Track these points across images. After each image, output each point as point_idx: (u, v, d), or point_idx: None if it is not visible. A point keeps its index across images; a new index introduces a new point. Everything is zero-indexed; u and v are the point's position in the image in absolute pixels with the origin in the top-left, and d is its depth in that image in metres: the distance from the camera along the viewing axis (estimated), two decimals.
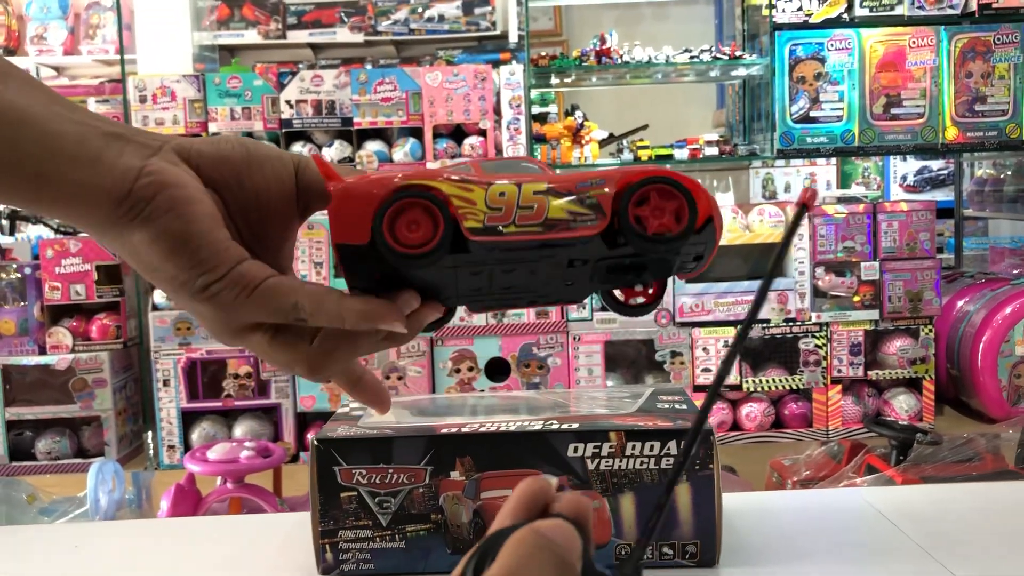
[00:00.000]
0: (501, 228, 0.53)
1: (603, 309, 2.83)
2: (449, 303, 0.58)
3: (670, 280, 2.71)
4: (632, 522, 0.74)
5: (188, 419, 2.86)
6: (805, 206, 0.37)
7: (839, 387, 2.84)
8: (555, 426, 0.75)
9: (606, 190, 0.54)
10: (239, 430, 2.85)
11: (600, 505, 0.74)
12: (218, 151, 0.53)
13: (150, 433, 2.89)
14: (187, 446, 2.82)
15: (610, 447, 0.73)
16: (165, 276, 0.50)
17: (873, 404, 2.88)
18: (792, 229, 0.36)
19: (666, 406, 0.80)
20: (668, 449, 0.73)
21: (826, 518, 0.84)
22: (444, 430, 0.75)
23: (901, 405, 2.84)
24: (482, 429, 0.75)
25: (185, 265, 0.49)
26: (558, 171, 0.57)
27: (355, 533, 0.74)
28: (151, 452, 2.90)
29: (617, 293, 0.60)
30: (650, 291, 0.60)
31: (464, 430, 0.74)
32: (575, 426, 0.75)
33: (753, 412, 2.83)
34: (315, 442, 0.74)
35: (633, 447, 0.73)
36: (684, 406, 0.80)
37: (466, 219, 0.53)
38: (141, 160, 0.50)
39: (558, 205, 0.54)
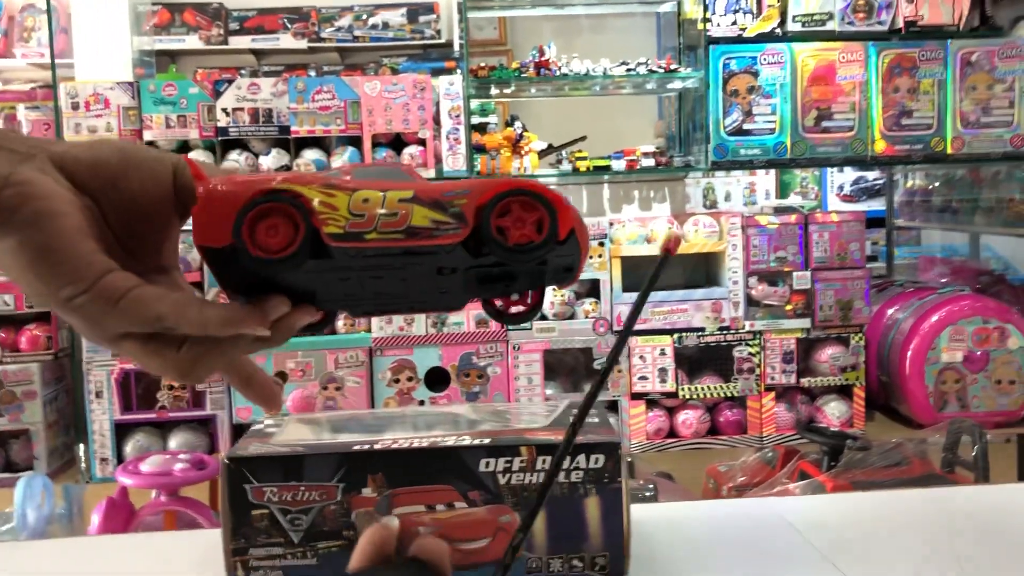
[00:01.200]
0: (363, 234, 0.54)
1: (542, 318, 2.85)
2: (324, 307, 0.59)
3: (607, 290, 2.73)
4: (543, 536, 0.75)
5: (121, 431, 2.81)
6: (668, 253, 0.38)
7: (773, 394, 2.89)
8: (467, 441, 0.76)
9: (468, 200, 0.55)
10: (174, 442, 2.81)
11: (511, 520, 0.75)
12: (94, 156, 0.54)
13: (82, 446, 2.84)
14: (120, 459, 2.77)
15: (521, 461, 0.75)
16: (29, 286, 0.51)
17: (806, 411, 2.94)
18: (655, 274, 0.37)
19: None
20: (578, 463, 0.75)
21: (736, 528, 0.86)
22: (356, 447, 0.75)
23: (833, 412, 2.91)
24: (394, 446, 0.75)
25: (47, 278, 0.50)
26: (433, 181, 0.59)
27: (267, 551, 0.74)
28: (83, 465, 2.84)
29: (498, 302, 0.61)
30: (528, 300, 0.61)
31: (376, 447, 0.75)
32: (486, 441, 0.76)
33: (689, 419, 2.88)
34: (225, 460, 0.74)
35: (544, 461, 0.74)
36: (596, 420, 0.82)
37: (327, 224, 0.53)
38: (9, 168, 0.50)
39: (421, 213, 0.54)
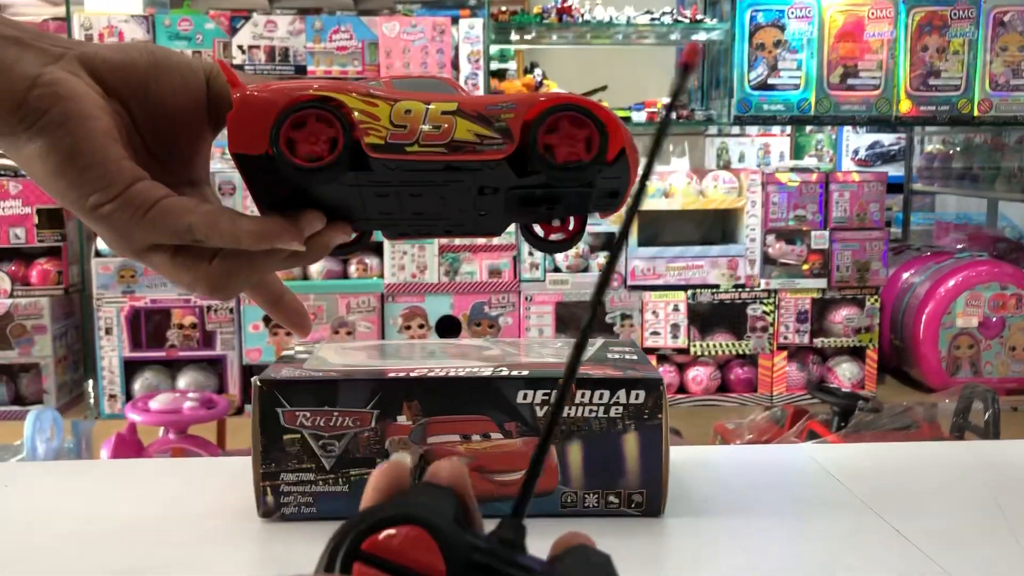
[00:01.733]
0: (404, 146, 0.51)
1: (555, 270, 2.82)
2: (358, 226, 0.57)
3: (623, 244, 2.69)
4: (579, 470, 0.74)
5: (130, 369, 2.81)
6: (688, 66, 0.34)
7: (784, 353, 2.88)
8: (504, 373, 0.74)
9: (515, 115, 0.52)
10: (183, 381, 2.81)
11: (548, 453, 0.73)
12: (125, 57, 0.51)
13: (91, 382, 2.84)
14: (129, 396, 2.77)
15: None
16: (57, 192, 0.48)
17: (817, 371, 2.93)
18: (677, 91, 0.33)
19: (616, 356, 0.80)
20: (617, 398, 0.73)
21: (770, 473, 0.85)
22: (392, 374, 0.73)
23: (844, 373, 2.90)
24: (430, 374, 0.73)
25: (75, 183, 0.47)
26: (475, 94, 0.55)
27: (297, 476, 0.72)
28: (91, 401, 2.84)
29: (537, 229, 0.59)
30: (570, 228, 0.58)
31: (412, 374, 0.73)
32: (524, 373, 0.74)
33: (699, 376, 2.86)
34: (258, 383, 0.72)
35: (583, 395, 0.73)
36: (634, 357, 0.80)
37: (368, 135, 0.51)
38: (38, 68, 0.47)
39: (465, 126, 0.52)
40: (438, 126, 0.51)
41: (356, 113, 0.51)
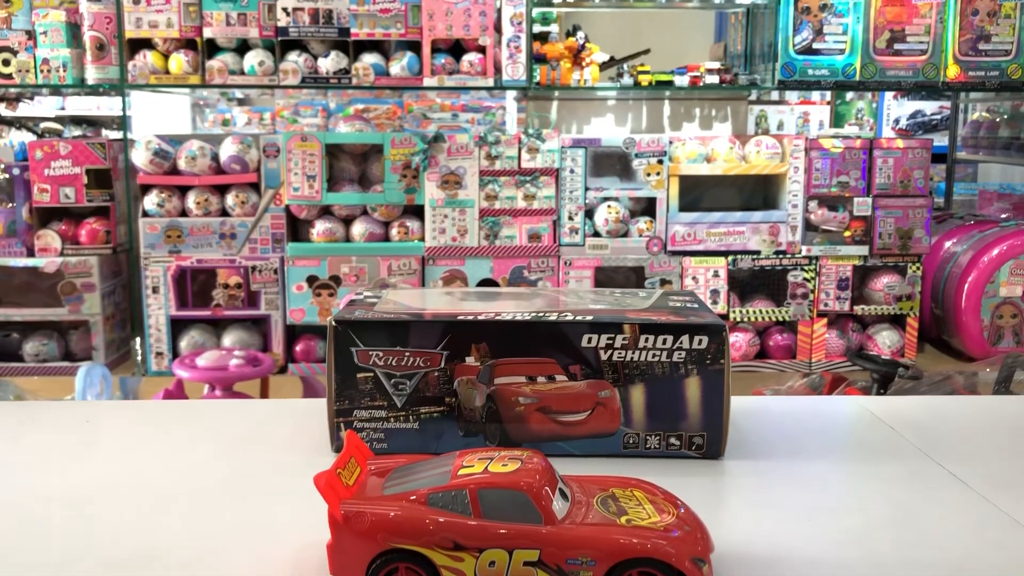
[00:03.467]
0: None
1: (595, 235, 2.83)
2: None
3: (663, 208, 2.62)
4: (642, 413, 0.76)
5: (177, 327, 2.86)
6: None
7: (824, 320, 2.87)
8: (570, 317, 0.76)
9: (593, 573, 0.51)
10: (228, 340, 2.86)
11: (611, 395, 0.75)
12: None
13: (138, 339, 2.90)
14: (175, 354, 2.83)
15: (623, 339, 0.75)
16: None
17: (857, 339, 2.92)
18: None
19: (678, 304, 0.81)
20: (680, 343, 0.75)
21: (827, 422, 0.86)
22: (461, 316, 0.75)
23: (884, 341, 2.89)
24: (498, 317, 0.75)
25: None
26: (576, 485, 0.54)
27: (370, 413, 0.75)
28: (139, 358, 2.90)
29: None
30: None
31: (480, 317, 0.75)
32: (589, 318, 0.76)
33: (738, 342, 2.87)
34: (333, 322, 0.74)
35: (646, 340, 0.74)
36: (695, 305, 0.81)
37: None
38: None
39: None
40: None
41: (444, 571, 0.51)
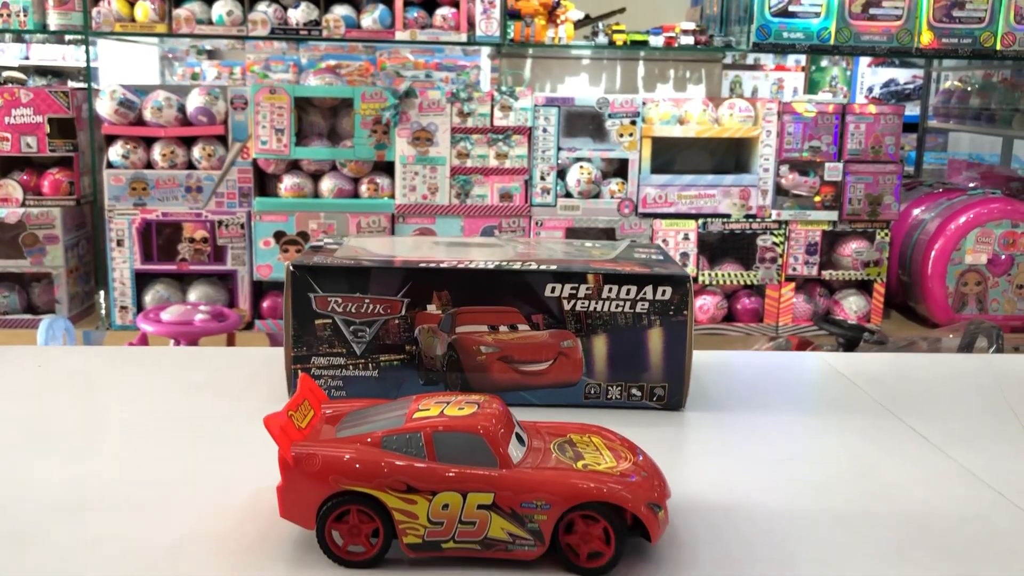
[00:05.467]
0: (440, 544, 0.52)
1: (567, 195, 2.82)
2: None
3: (635, 170, 2.60)
4: (604, 363, 0.75)
5: (141, 281, 2.82)
6: None
7: (792, 285, 2.89)
8: (533, 266, 0.75)
9: (548, 516, 0.51)
10: (193, 295, 2.82)
11: (573, 345, 0.75)
12: None
13: (102, 292, 2.86)
14: (140, 308, 2.79)
15: (587, 289, 0.74)
16: None
17: (824, 303, 2.94)
18: None
19: (643, 256, 0.81)
20: (644, 294, 0.74)
21: (789, 376, 0.86)
22: (423, 264, 0.74)
23: (851, 306, 2.91)
24: (461, 265, 0.74)
25: None
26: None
27: (328, 360, 0.74)
28: (103, 312, 2.87)
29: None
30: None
31: (443, 265, 0.74)
32: (553, 267, 0.75)
33: (706, 305, 2.88)
34: (291, 267, 0.73)
35: (610, 290, 0.74)
36: (661, 257, 0.81)
37: (406, 535, 0.51)
38: None
39: (499, 524, 0.51)
40: (473, 522, 0.51)
41: (396, 513, 0.51)
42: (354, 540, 0.52)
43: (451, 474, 0.50)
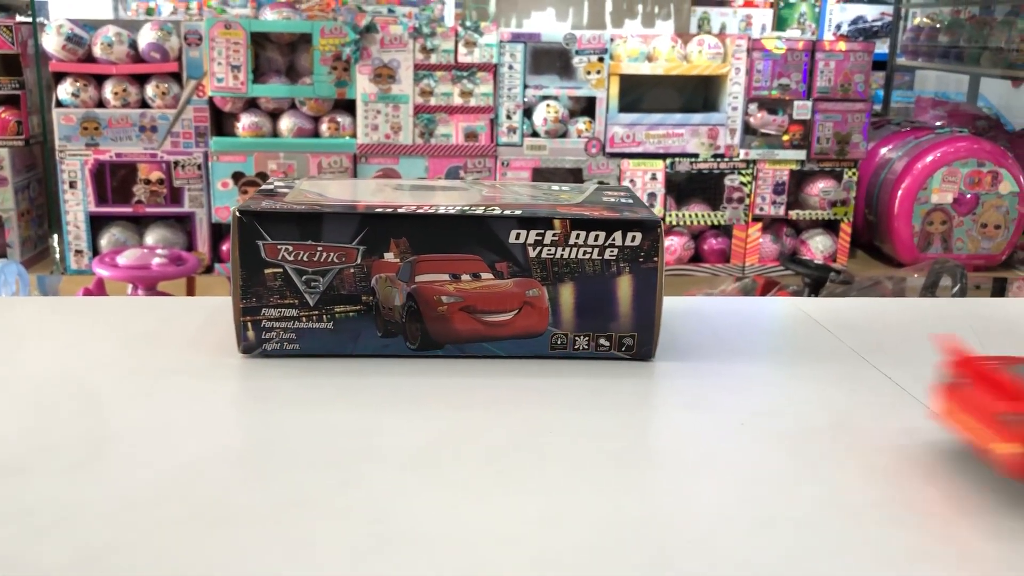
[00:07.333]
0: None
1: (533, 135, 2.77)
2: None
3: (603, 109, 2.62)
4: (571, 312, 0.72)
5: (96, 224, 2.75)
6: None
7: (759, 225, 2.88)
8: (497, 212, 0.71)
9: None
10: (151, 238, 2.76)
11: (539, 294, 0.71)
12: None
13: (56, 236, 2.78)
14: (95, 252, 2.72)
15: (553, 235, 0.70)
16: None
17: (790, 243, 2.94)
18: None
19: (612, 199, 0.77)
20: (613, 240, 0.70)
21: (761, 323, 0.84)
22: (380, 209, 0.70)
23: (817, 246, 2.91)
24: (420, 211, 0.70)
25: None
26: None
27: (280, 312, 0.70)
28: (57, 256, 2.79)
29: None
30: None
31: (400, 210, 0.70)
32: (518, 212, 0.71)
33: (673, 245, 2.86)
34: (237, 213, 0.68)
35: (577, 236, 0.70)
36: (630, 200, 0.77)
37: None
38: None
39: None
40: None
41: None
42: None
43: None
